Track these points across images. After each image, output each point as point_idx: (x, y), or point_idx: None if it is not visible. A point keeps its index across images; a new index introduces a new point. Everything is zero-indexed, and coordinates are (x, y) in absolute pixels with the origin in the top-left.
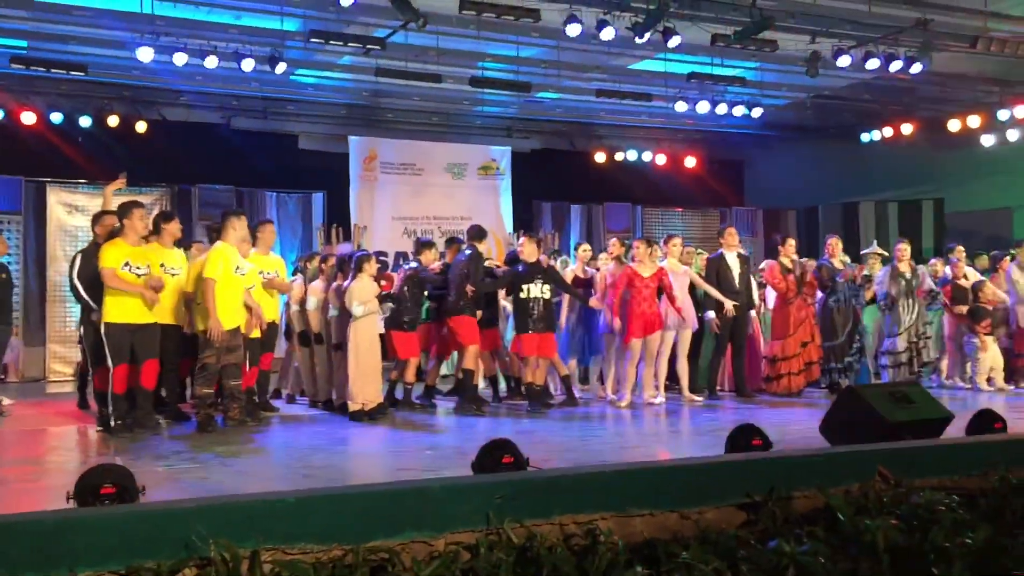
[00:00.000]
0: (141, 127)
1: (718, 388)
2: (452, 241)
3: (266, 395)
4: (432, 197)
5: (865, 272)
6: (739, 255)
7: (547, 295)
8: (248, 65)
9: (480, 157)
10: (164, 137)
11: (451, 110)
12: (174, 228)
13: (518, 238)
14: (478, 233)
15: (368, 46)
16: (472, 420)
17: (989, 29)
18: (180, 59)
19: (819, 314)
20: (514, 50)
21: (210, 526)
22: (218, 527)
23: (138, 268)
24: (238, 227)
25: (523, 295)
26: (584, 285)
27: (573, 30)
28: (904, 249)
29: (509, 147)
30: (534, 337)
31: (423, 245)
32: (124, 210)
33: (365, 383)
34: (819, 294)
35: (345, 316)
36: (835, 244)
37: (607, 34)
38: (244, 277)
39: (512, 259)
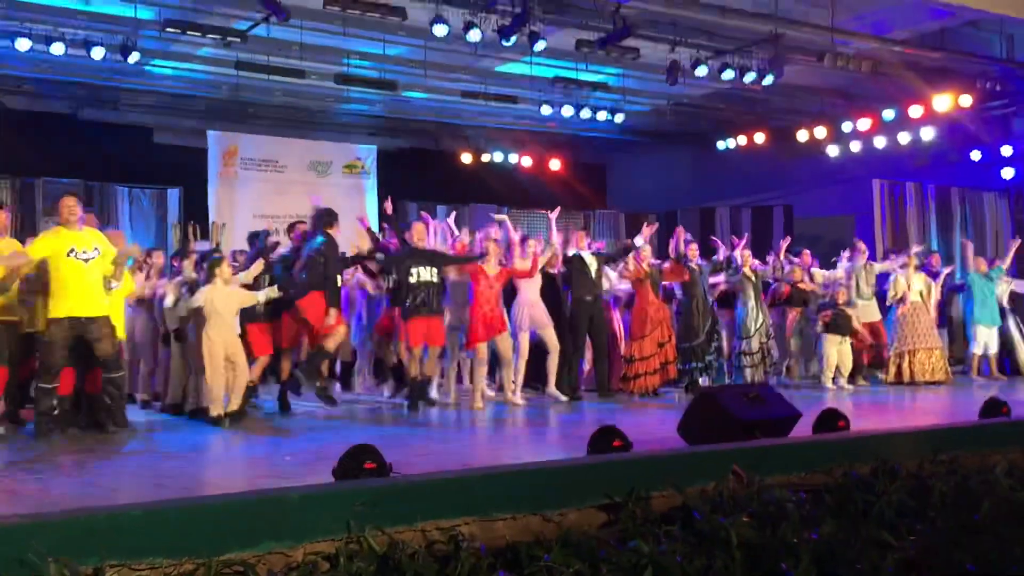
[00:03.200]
0: None
1: (581, 387)
2: (292, 227)
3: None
4: (295, 195)
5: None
6: (594, 253)
7: (435, 279)
8: (98, 54)
9: (345, 155)
10: (5, 127)
11: (315, 107)
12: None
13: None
14: (328, 219)
15: (228, 38)
16: (336, 423)
17: (835, 45)
18: (23, 44)
19: (678, 314)
20: (380, 48)
21: (48, 543)
22: (58, 544)
23: None
24: (65, 210)
25: (412, 279)
26: None
27: (439, 30)
28: (748, 254)
29: (375, 146)
30: (421, 322)
31: (251, 238)
32: None
33: (224, 386)
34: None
35: (200, 317)
36: (693, 248)
37: (473, 35)
38: (90, 263)
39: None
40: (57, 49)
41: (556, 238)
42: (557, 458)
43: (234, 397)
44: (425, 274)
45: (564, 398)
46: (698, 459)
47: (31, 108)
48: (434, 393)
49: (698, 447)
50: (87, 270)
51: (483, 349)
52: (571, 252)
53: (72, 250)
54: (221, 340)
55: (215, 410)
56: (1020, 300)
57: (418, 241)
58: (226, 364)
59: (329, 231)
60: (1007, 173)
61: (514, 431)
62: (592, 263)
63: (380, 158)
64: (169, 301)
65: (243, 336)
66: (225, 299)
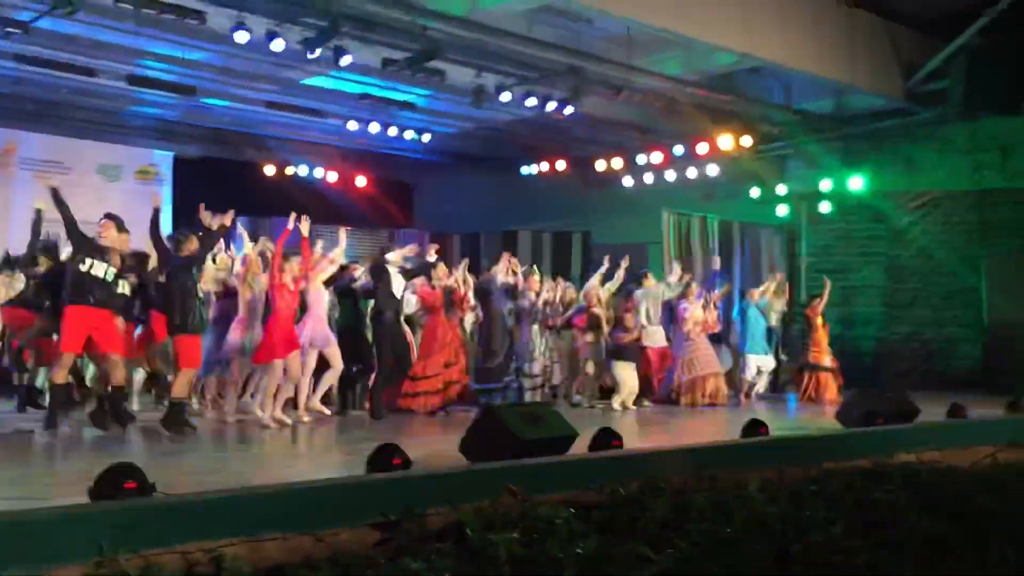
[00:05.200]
0: None
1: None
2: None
3: None
4: (81, 200)
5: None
6: (400, 270)
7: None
8: None
9: (138, 160)
10: None
11: (106, 107)
12: None
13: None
14: None
15: (8, 29)
16: (106, 439)
17: (632, 81)
18: None
19: (479, 335)
20: (179, 51)
21: None
22: None
23: None
24: None
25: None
26: None
27: (241, 37)
28: (535, 279)
29: (171, 152)
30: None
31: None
32: None
33: None
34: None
35: None
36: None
37: (277, 45)
38: None
39: None
40: None
41: (338, 251)
42: (334, 476)
43: None
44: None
45: (328, 412)
46: (475, 477)
47: None
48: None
49: (475, 465)
50: None
51: (278, 366)
52: (381, 264)
53: None
54: None
55: None
56: (787, 327)
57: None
58: None
59: None
60: (782, 210)
61: (296, 449)
62: (399, 280)
63: (177, 165)
64: None
65: None
66: None
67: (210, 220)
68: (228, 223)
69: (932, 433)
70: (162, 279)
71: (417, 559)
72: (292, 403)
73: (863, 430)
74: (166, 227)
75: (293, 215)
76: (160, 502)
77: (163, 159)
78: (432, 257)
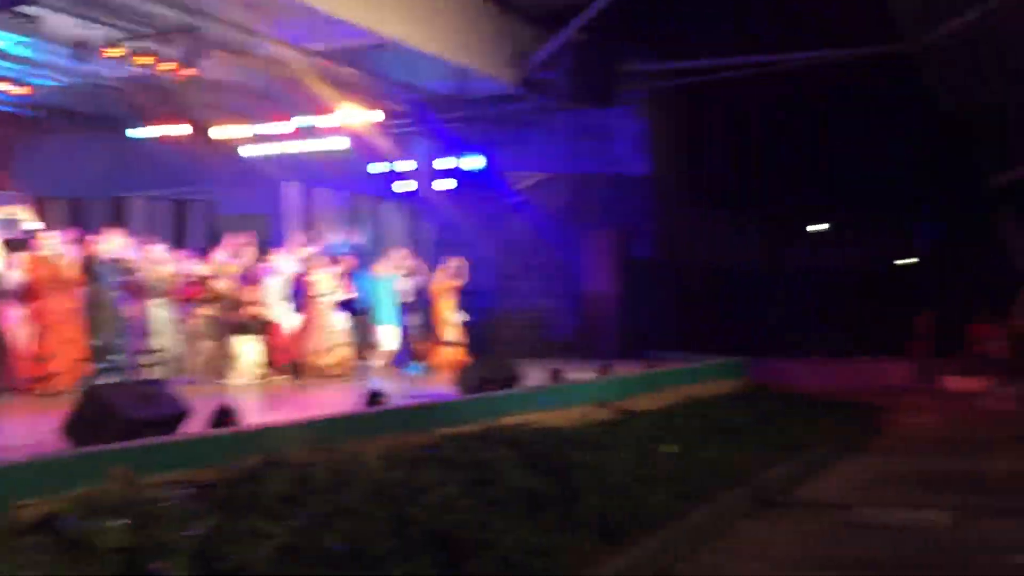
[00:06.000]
0: None
1: None
2: None
3: None
4: None
5: None
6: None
7: None
8: None
9: None
10: None
11: None
12: None
13: None
14: None
15: None
16: None
17: (253, 46)
18: None
19: (84, 310)
20: None
21: None
22: None
23: None
24: None
25: None
26: None
27: None
28: (152, 251)
29: None
30: None
31: None
32: None
33: None
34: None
35: None
36: (92, 245)
37: None
38: None
39: None
40: None
41: None
42: None
43: None
44: None
45: None
46: (78, 462)
47: None
48: None
49: (80, 449)
50: None
51: None
52: None
53: None
54: None
55: None
56: (421, 298)
57: None
58: None
59: None
60: (404, 185)
61: None
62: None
63: None
64: None
65: None
66: None
67: None
68: None
69: (535, 396)
70: None
71: (5, 556)
72: None
73: (475, 396)
74: None
75: None
76: None
77: None
78: (35, 224)
